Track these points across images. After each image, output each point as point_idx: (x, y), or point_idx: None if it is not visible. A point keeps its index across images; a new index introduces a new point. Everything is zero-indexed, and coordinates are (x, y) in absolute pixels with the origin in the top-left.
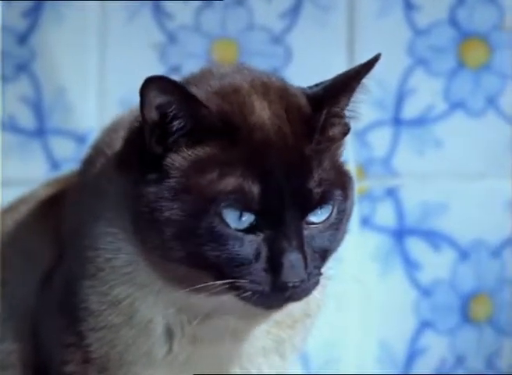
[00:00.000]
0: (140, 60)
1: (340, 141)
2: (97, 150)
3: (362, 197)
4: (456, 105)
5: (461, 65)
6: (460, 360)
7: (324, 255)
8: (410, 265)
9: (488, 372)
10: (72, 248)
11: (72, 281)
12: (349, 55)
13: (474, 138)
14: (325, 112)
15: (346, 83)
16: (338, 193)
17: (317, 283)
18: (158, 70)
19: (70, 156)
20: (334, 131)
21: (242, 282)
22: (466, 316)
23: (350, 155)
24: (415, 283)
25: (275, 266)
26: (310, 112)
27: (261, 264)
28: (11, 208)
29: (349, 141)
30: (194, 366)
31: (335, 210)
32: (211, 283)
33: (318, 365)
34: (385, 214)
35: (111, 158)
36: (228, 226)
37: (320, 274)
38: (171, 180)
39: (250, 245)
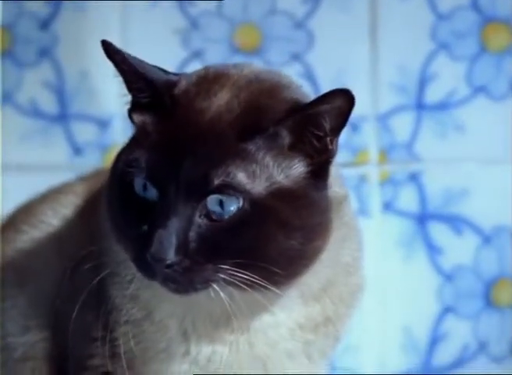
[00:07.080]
0: (162, 45)
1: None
2: None
3: (384, 182)
4: (478, 90)
5: (483, 49)
6: (482, 345)
7: (231, 258)
8: (433, 250)
9: (511, 357)
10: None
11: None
12: (371, 39)
13: (496, 122)
14: (281, 125)
15: (306, 109)
16: (256, 192)
17: (195, 283)
18: (180, 55)
19: (93, 141)
20: (295, 146)
21: (130, 245)
22: (489, 301)
23: (372, 139)
24: (438, 268)
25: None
26: (270, 119)
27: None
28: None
29: (371, 125)
30: (217, 367)
31: (246, 207)
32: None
33: (338, 350)
34: (407, 199)
35: None
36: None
37: (208, 280)
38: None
39: (143, 212)
